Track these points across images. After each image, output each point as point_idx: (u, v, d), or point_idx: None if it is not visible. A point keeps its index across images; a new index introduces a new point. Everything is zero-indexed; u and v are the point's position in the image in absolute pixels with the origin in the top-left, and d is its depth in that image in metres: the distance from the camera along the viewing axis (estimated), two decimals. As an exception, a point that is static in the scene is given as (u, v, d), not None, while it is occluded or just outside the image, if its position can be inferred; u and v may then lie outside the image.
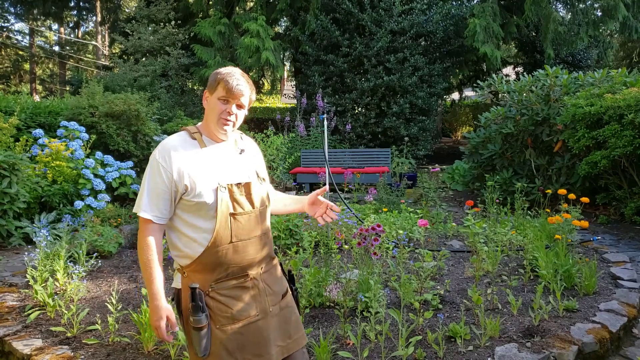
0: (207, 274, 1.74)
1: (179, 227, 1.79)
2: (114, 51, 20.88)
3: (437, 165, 11.51)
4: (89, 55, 28.37)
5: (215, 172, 1.78)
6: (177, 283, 1.84)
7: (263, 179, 1.94)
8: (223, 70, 1.82)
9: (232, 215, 1.76)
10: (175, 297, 1.86)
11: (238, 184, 1.80)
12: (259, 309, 1.80)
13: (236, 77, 1.78)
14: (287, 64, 20.15)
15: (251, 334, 1.77)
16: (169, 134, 9.57)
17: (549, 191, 5.79)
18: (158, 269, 1.75)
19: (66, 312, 3.28)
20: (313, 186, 9.45)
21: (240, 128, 1.98)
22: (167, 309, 1.77)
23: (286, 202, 2.18)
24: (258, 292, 1.82)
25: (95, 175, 6.60)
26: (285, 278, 2.00)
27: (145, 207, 1.74)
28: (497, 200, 5.73)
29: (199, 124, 1.89)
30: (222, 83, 1.77)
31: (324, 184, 5.49)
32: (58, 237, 4.98)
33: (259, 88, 18.71)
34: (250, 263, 1.81)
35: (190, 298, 1.69)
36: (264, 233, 1.87)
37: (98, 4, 22.12)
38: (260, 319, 1.79)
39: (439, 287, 3.83)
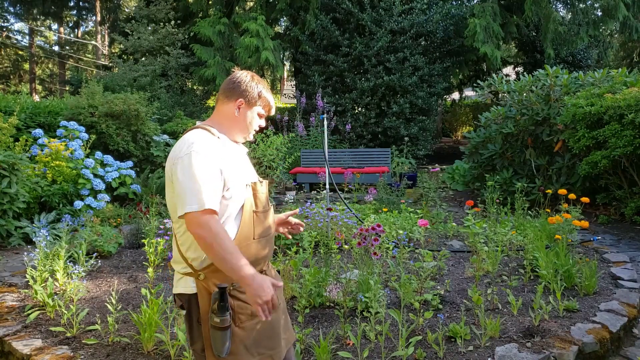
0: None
1: None
2: (113, 51, 20.88)
3: (437, 165, 11.51)
4: (89, 55, 28.35)
5: (241, 170, 1.81)
6: (188, 288, 1.75)
7: None
8: (261, 86, 1.87)
9: (255, 212, 1.80)
10: (186, 303, 1.78)
11: (260, 182, 1.86)
12: None
13: (270, 93, 1.90)
14: (287, 64, 20.15)
15: (265, 328, 1.79)
16: (169, 134, 9.66)
17: (549, 191, 5.79)
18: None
19: (66, 312, 3.27)
20: (313, 186, 9.45)
21: None
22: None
23: None
24: None
25: (95, 175, 6.59)
26: None
27: (206, 199, 1.60)
28: (497, 200, 5.73)
29: (210, 122, 1.86)
30: (265, 100, 1.87)
31: (324, 184, 5.48)
32: (58, 237, 4.98)
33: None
34: (264, 259, 1.86)
35: (219, 298, 1.65)
36: (273, 230, 1.94)
37: (98, 3, 22.11)
38: (273, 312, 1.81)
39: (439, 287, 3.82)
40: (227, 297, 1.67)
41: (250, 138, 1.93)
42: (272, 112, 1.94)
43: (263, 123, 1.93)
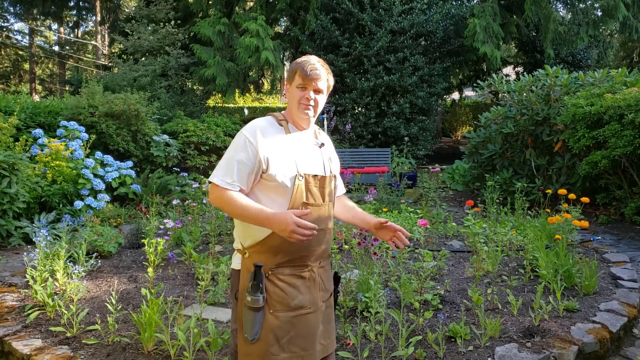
0: (270, 256, 1.77)
1: None
2: (113, 51, 20.87)
3: (437, 165, 11.50)
4: (89, 55, 28.35)
5: (296, 159, 1.82)
6: (236, 264, 1.87)
7: (335, 176, 1.98)
8: (299, 59, 1.89)
9: (304, 204, 1.80)
10: (233, 278, 1.88)
11: (315, 176, 1.85)
12: (311, 301, 1.84)
13: (311, 62, 1.85)
14: (287, 64, 20.14)
15: (301, 326, 1.80)
16: (169, 133, 9.66)
17: (549, 191, 5.78)
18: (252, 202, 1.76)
19: (66, 312, 3.27)
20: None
21: None
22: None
23: (354, 213, 2.18)
24: (313, 284, 1.86)
25: (95, 175, 6.59)
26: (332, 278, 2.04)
27: (222, 176, 1.77)
28: (497, 200, 5.73)
29: (284, 112, 1.94)
30: (298, 71, 1.85)
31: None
32: (58, 237, 4.97)
33: (258, 88, 18.71)
34: (311, 254, 1.85)
35: (253, 275, 1.71)
36: (328, 228, 1.91)
37: (98, 3, 22.12)
38: (312, 312, 1.83)
39: (439, 287, 3.82)
40: (261, 276, 1.71)
41: (305, 115, 1.85)
42: (311, 77, 1.81)
43: (313, 96, 1.83)
